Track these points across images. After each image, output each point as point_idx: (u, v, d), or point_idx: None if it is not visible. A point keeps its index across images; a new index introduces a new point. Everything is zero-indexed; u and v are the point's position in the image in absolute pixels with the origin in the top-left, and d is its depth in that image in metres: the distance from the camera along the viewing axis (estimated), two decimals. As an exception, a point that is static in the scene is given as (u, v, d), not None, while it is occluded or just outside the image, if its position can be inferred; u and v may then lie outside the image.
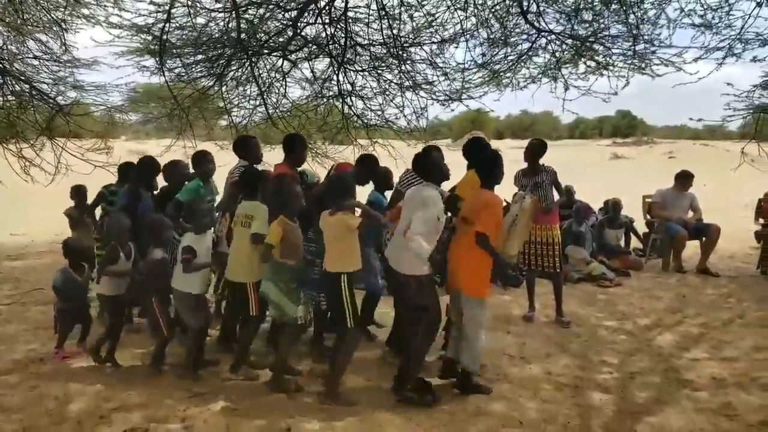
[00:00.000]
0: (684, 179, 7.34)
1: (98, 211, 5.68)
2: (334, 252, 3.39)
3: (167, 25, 5.19)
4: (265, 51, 6.39)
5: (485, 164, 3.67)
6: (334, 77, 6.73)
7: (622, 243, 7.59)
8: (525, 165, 5.15)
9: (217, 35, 5.88)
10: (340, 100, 6.96)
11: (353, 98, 7.01)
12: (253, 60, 6.41)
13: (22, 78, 6.43)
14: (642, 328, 4.87)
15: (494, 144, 5.64)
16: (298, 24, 5.70)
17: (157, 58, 5.74)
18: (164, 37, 5.37)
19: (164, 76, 5.96)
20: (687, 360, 4.07)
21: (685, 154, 26.89)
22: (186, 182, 4.55)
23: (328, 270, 3.38)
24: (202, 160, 4.59)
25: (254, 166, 4.46)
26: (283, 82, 7.06)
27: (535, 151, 5.06)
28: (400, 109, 6.81)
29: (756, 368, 3.92)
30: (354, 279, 3.40)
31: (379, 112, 7.03)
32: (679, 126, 41.37)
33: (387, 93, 6.91)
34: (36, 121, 6.66)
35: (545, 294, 5.50)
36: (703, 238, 7.19)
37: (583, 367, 3.94)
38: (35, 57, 6.57)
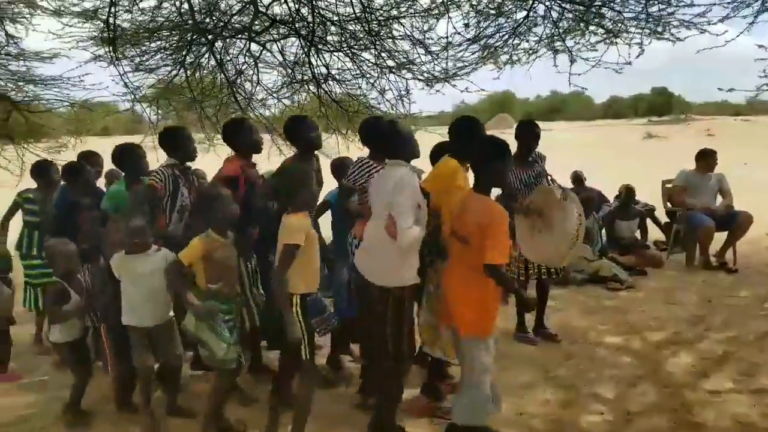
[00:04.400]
0: (706, 158, 6.27)
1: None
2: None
3: (113, 8, 4.68)
4: (228, 34, 5.78)
5: (486, 159, 2.67)
6: (307, 60, 6.08)
7: (638, 235, 6.65)
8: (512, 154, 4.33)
9: (173, 19, 5.34)
10: (315, 85, 6.30)
11: (331, 82, 6.35)
12: (215, 44, 5.82)
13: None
14: (652, 345, 4.03)
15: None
16: (259, 1, 5.11)
17: (108, 48, 5.21)
18: (110, 21, 4.84)
19: (116, 66, 5.42)
20: (704, 393, 3.25)
21: (724, 131, 24.97)
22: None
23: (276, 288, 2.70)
24: (131, 157, 3.89)
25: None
26: (255, 69, 6.46)
27: (536, 136, 4.17)
28: (381, 92, 6.12)
29: (795, 403, 3.10)
30: (307, 302, 2.67)
31: (360, 97, 6.37)
32: (719, 102, 38.81)
33: (367, 75, 6.21)
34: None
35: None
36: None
37: (567, 403, 3.17)
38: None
